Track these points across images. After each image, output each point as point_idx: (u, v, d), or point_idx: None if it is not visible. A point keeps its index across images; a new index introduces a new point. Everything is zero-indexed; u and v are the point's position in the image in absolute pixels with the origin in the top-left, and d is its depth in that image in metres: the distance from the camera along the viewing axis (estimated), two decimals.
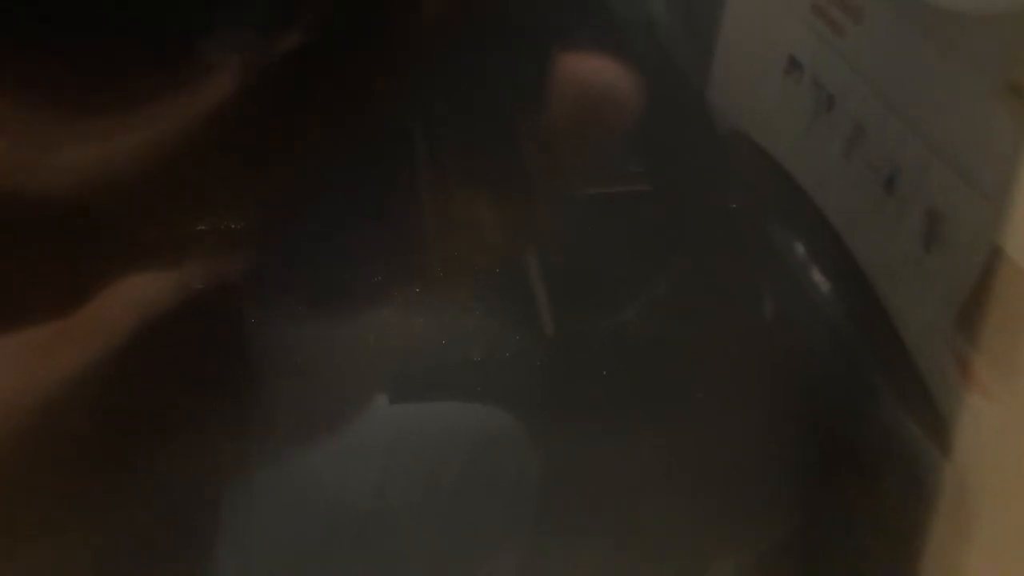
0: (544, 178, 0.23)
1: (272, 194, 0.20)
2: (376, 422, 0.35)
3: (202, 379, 0.21)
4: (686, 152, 0.37)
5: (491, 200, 0.22)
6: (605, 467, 0.34)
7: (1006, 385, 0.25)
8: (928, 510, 0.27)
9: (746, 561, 0.33)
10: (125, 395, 0.20)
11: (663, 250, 0.36)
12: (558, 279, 0.34)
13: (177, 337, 0.20)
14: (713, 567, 0.34)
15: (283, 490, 0.32)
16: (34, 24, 0.18)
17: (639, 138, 0.35)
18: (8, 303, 0.19)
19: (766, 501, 0.32)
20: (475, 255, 0.22)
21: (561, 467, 0.35)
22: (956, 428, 0.27)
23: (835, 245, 0.33)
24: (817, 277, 0.34)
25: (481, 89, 0.22)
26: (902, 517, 0.28)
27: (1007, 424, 0.25)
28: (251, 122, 0.19)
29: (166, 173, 0.19)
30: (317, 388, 0.24)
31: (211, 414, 0.21)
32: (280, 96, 0.19)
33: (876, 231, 0.31)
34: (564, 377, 0.35)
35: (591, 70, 0.21)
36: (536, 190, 0.23)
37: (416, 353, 0.30)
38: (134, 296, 0.19)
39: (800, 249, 0.35)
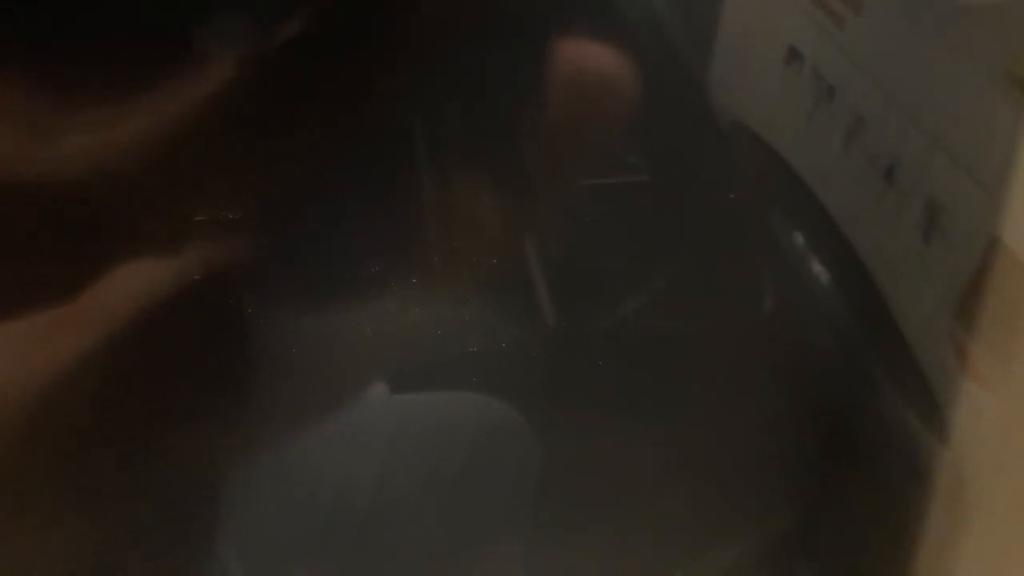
0: (544, 170, 0.23)
1: (271, 184, 0.20)
2: (376, 415, 0.35)
3: (200, 369, 0.21)
4: (686, 143, 0.37)
5: (491, 192, 0.22)
6: (605, 458, 0.34)
7: (1003, 374, 0.25)
8: (926, 499, 0.27)
9: (746, 552, 0.33)
10: (123, 384, 0.20)
11: (663, 241, 0.36)
12: (558, 271, 0.34)
13: (175, 327, 0.20)
14: (714, 558, 0.34)
15: (283, 483, 0.32)
16: (32, 12, 0.18)
17: (639, 129, 0.35)
18: (6, 291, 0.19)
19: (766, 492, 0.32)
20: (475, 247, 0.22)
21: (561, 459, 0.35)
22: (954, 418, 0.27)
23: (835, 236, 0.33)
24: (817, 268, 0.34)
25: (481, 81, 0.22)
26: (901, 506, 0.28)
27: (1005, 414, 0.25)
28: (250, 112, 0.19)
29: (165, 163, 0.19)
30: (317, 378, 0.24)
31: (209, 404, 0.21)
32: (279, 87, 0.19)
33: (876, 222, 0.31)
34: (565, 369, 0.35)
35: (589, 60, 0.21)
36: (536, 182, 0.23)
37: (417, 345, 0.30)
38: (133, 285, 0.19)
39: (800, 240, 0.35)
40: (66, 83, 0.18)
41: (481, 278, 0.23)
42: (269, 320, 0.21)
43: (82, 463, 0.21)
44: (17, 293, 0.19)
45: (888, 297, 0.31)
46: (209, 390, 0.21)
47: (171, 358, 0.21)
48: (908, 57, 0.30)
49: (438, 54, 0.20)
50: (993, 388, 0.25)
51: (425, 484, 0.35)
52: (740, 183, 0.37)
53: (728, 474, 0.33)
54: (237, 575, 0.31)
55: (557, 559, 0.34)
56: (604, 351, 0.36)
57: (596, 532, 0.34)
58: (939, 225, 0.28)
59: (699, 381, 0.34)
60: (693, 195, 0.37)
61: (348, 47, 0.19)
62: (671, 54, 0.38)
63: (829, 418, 0.32)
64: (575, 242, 0.33)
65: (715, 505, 0.33)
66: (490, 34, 0.21)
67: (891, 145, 0.30)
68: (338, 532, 0.34)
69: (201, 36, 0.19)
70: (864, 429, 0.31)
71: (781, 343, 0.34)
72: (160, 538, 0.24)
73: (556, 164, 0.22)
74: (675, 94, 0.38)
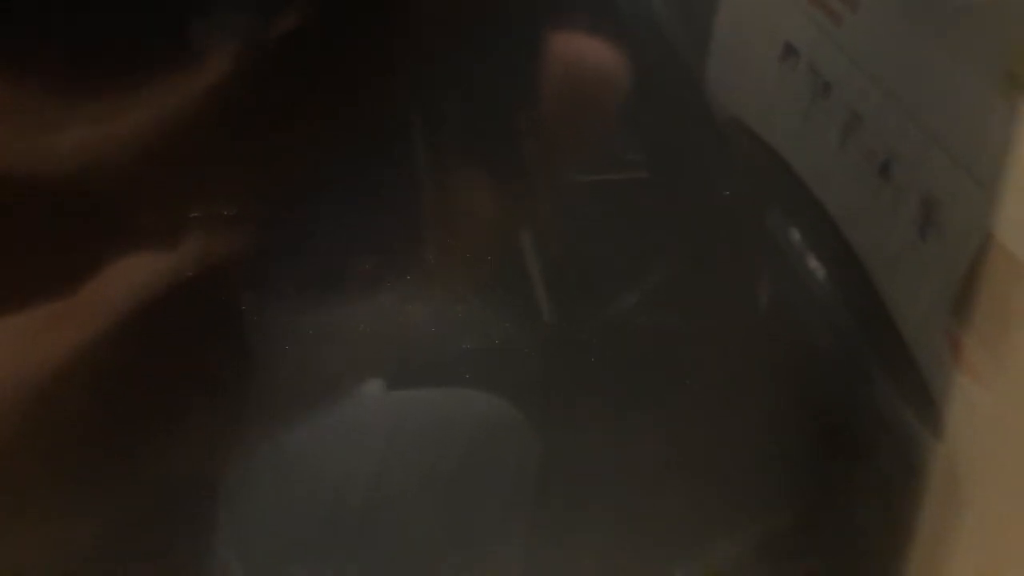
0: (541, 166, 0.23)
1: (269, 180, 0.20)
2: (374, 412, 0.35)
3: (196, 365, 0.21)
4: (682, 139, 0.37)
5: (489, 188, 0.22)
6: (604, 456, 0.34)
7: (998, 370, 0.25)
8: (921, 493, 0.27)
9: (743, 546, 0.33)
10: (119, 379, 0.20)
11: (660, 238, 0.36)
12: (556, 267, 0.34)
13: (173, 322, 0.20)
14: (711, 552, 0.34)
15: (281, 480, 0.32)
16: (31, 7, 0.18)
17: (635, 126, 0.35)
18: (5, 285, 0.19)
19: (762, 487, 0.32)
20: (472, 243, 0.22)
21: (560, 456, 0.35)
22: (949, 413, 0.27)
23: (831, 232, 0.33)
24: (813, 264, 0.34)
25: (478, 77, 0.22)
26: (896, 500, 0.28)
27: (999, 409, 0.25)
28: (248, 107, 0.19)
29: (164, 157, 0.19)
30: (314, 374, 0.24)
31: (205, 400, 0.22)
32: (277, 81, 0.19)
33: (872, 219, 0.31)
34: (563, 366, 0.35)
35: (585, 56, 0.21)
36: (533, 178, 0.23)
37: (414, 341, 0.30)
38: (131, 280, 0.20)
39: (796, 236, 0.35)
40: (65, 77, 0.18)
41: (478, 275, 0.23)
42: (266, 316, 0.21)
43: (80, 459, 0.21)
44: (16, 287, 0.19)
45: (884, 293, 0.31)
46: (205, 385, 0.21)
47: (168, 353, 0.21)
48: (905, 54, 0.30)
49: (436, 50, 0.20)
50: (987, 383, 0.26)
51: (423, 481, 0.35)
52: (736, 180, 0.37)
53: (725, 471, 0.33)
54: (235, 572, 0.31)
55: (555, 557, 0.34)
56: (602, 348, 0.36)
57: (595, 530, 0.34)
58: (935, 221, 0.28)
59: (696, 378, 0.34)
60: (689, 192, 0.37)
61: (346, 42, 0.19)
62: (668, 51, 0.38)
63: (825, 414, 0.32)
64: (572, 239, 0.33)
65: (713, 502, 0.33)
66: (488, 30, 0.21)
67: (887, 142, 0.30)
68: (336, 529, 0.34)
69: (200, 30, 0.19)
70: (859, 424, 0.31)
71: (778, 339, 0.34)
72: (158, 535, 0.24)
73: (553, 160, 0.22)
74: (672, 91, 0.38)
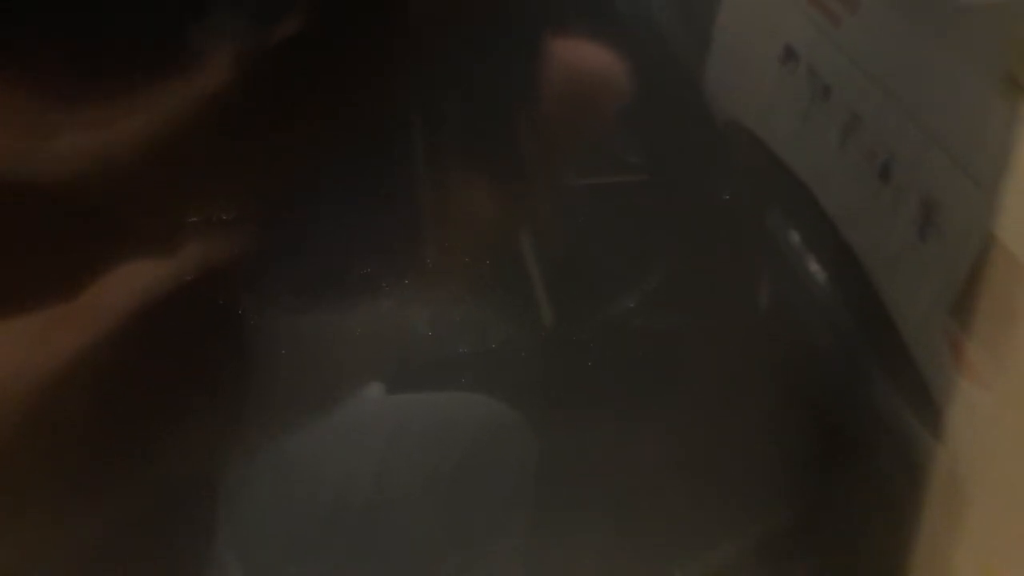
0: (541, 167, 0.23)
1: (268, 184, 0.20)
2: (375, 415, 0.35)
3: (196, 369, 0.21)
4: (682, 141, 0.37)
5: (489, 191, 0.22)
6: (604, 457, 0.34)
7: (998, 371, 0.25)
8: (921, 494, 0.27)
9: (744, 546, 0.33)
10: (120, 382, 0.20)
11: (660, 239, 0.36)
12: (557, 270, 0.34)
13: (172, 326, 0.20)
14: (711, 552, 0.34)
15: (282, 482, 0.33)
16: (30, 11, 0.18)
17: (636, 129, 0.35)
18: (5, 290, 0.19)
19: (763, 487, 0.32)
20: (472, 245, 0.22)
21: (560, 458, 0.35)
22: (949, 414, 0.27)
23: (831, 233, 0.33)
24: (813, 266, 0.34)
25: (477, 79, 0.22)
26: (896, 501, 0.28)
27: (999, 410, 0.25)
28: (247, 111, 0.19)
29: (163, 161, 0.19)
30: (314, 377, 0.24)
31: (206, 404, 0.21)
32: (275, 82, 0.19)
33: (872, 220, 0.31)
34: (563, 367, 0.35)
35: (584, 58, 0.21)
36: (534, 180, 0.23)
37: (415, 344, 0.30)
38: (131, 284, 0.20)
39: (796, 238, 0.35)
40: (64, 82, 0.18)
41: (478, 277, 0.23)
42: (265, 319, 0.21)
43: (80, 462, 0.21)
44: (16, 291, 0.19)
45: (884, 294, 0.31)
46: (205, 389, 0.21)
47: (168, 357, 0.21)
48: (904, 55, 0.30)
49: (436, 50, 0.20)
50: (988, 384, 0.26)
51: (424, 483, 0.35)
52: (736, 182, 0.37)
53: (725, 472, 0.33)
54: (235, 573, 0.31)
55: (555, 558, 0.34)
56: (602, 349, 0.36)
57: (595, 530, 0.34)
58: (935, 222, 0.28)
59: (696, 379, 0.34)
60: (689, 193, 0.37)
61: (346, 42, 0.19)
62: (668, 53, 0.38)
63: (825, 415, 0.32)
64: (572, 241, 0.33)
65: (713, 503, 0.33)
66: (487, 32, 0.21)
67: (887, 143, 0.30)
68: (337, 531, 0.34)
69: (199, 34, 0.19)
70: (860, 425, 0.31)
71: (778, 341, 0.34)
72: (159, 537, 0.24)
73: (552, 162, 0.22)
74: (672, 93, 0.38)
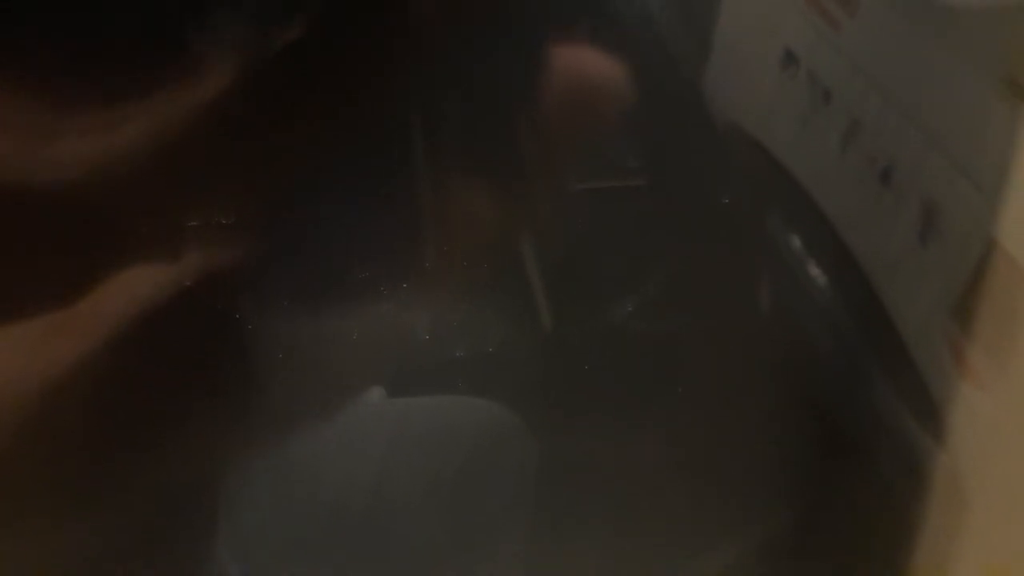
0: (541, 170, 0.23)
1: (268, 189, 0.20)
2: (375, 419, 0.35)
3: (197, 374, 0.21)
4: (683, 147, 0.37)
5: (489, 195, 0.22)
6: (604, 460, 0.34)
7: (1000, 376, 0.25)
8: (922, 499, 0.27)
9: (744, 550, 0.33)
10: (121, 387, 0.20)
11: (660, 244, 0.36)
12: (556, 273, 0.34)
13: (173, 332, 0.20)
14: (712, 555, 0.34)
15: (282, 487, 0.32)
16: (29, 15, 0.18)
17: (636, 133, 0.35)
18: (5, 295, 0.19)
19: (763, 491, 0.32)
20: (472, 249, 0.22)
21: (560, 461, 0.35)
22: (951, 418, 0.27)
23: (831, 238, 0.33)
24: (814, 270, 0.34)
25: (479, 82, 0.22)
26: (897, 506, 0.28)
27: (1000, 415, 0.25)
28: (247, 115, 0.19)
29: (163, 167, 0.19)
30: (314, 382, 0.24)
31: (206, 409, 0.21)
32: (275, 83, 0.19)
33: (872, 224, 0.31)
34: (563, 371, 0.35)
35: (584, 62, 0.21)
36: (534, 183, 0.23)
37: (414, 348, 0.30)
38: (132, 290, 0.19)
39: (796, 242, 0.35)
40: (64, 87, 0.18)
41: (478, 281, 0.23)
42: (265, 324, 0.21)
43: (81, 468, 0.21)
44: (16, 298, 0.19)
45: (885, 299, 0.31)
46: (206, 395, 0.21)
47: (169, 363, 0.21)
48: (905, 59, 0.30)
49: (436, 50, 0.20)
50: (989, 389, 0.26)
51: (424, 487, 0.35)
52: (736, 186, 0.37)
53: (727, 475, 0.33)
54: None
55: (556, 560, 0.34)
56: (602, 353, 0.36)
57: (595, 534, 0.34)
58: (935, 227, 0.28)
59: (697, 383, 0.34)
60: (689, 198, 0.37)
61: (346, 42, 0.19)
62: (668, 57, 0.38)
63: (826, 419, 0.32)
64: (572, 245, 0.33)
65: (713, 505, 0.33)
66: (487, 34, 0.21)
67: (888, 147, 0.30)
68: (337, 535, 0.34)
69: (199, 39, 0.19)
70: (861, 430, 0.31)
71: (778, 345, 0.34)
72: (159, 543, 0.24)
73: (552, 165, 0.22)
74: (672, 97, 0.38)
